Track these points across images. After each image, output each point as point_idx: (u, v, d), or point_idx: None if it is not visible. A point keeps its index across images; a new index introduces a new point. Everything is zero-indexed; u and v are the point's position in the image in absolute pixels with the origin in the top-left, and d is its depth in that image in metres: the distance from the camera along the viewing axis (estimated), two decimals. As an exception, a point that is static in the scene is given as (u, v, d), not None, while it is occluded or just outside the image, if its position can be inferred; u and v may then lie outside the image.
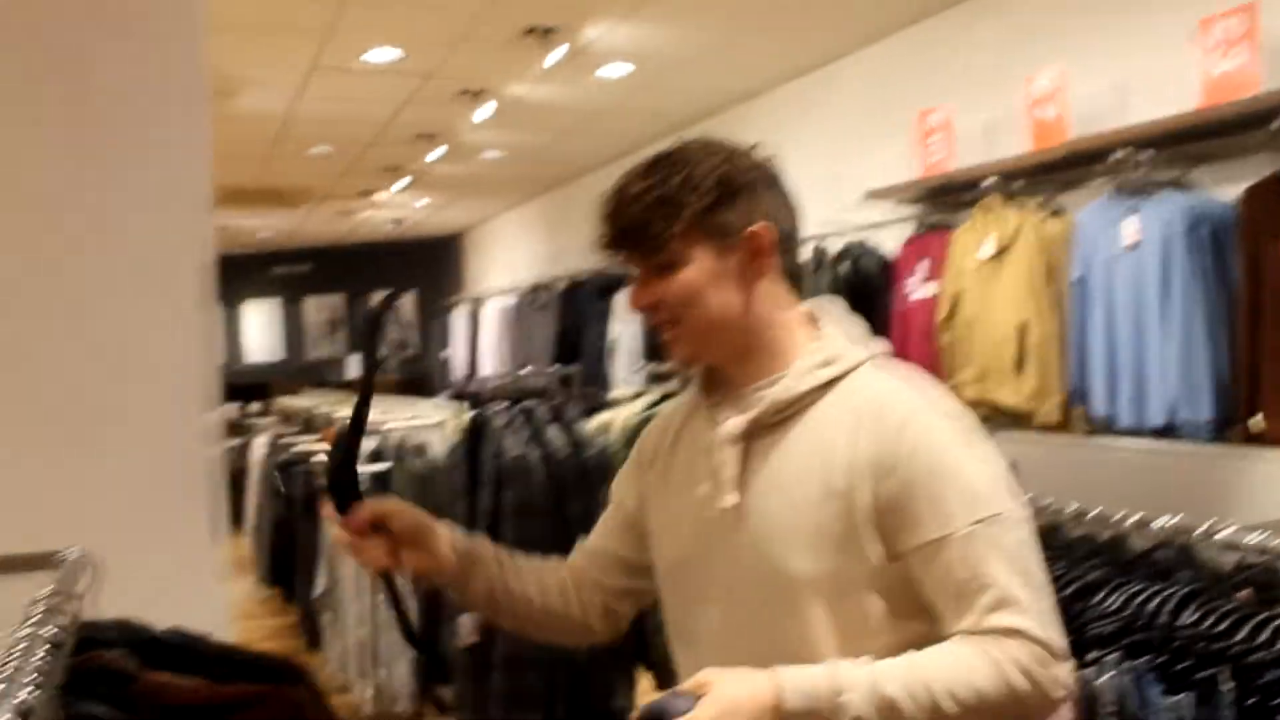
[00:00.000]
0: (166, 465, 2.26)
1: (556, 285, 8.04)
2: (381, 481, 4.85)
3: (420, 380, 11.24)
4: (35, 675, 1.03)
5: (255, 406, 10.10)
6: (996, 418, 3.79)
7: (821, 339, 1.43)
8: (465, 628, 3.27)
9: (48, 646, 1.14)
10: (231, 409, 11.32)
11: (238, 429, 8.99)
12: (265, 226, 11.53)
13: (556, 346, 7.61)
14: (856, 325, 1.47)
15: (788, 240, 1.44)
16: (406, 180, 8.80)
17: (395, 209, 10.59)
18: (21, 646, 1.13)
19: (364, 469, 5.04)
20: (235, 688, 1.41)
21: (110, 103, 2.23)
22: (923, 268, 4.35)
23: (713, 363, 1.46)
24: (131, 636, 1.57)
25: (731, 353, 1.43)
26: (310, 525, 5.16)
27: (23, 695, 0.96)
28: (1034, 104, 3.92)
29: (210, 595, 2.32)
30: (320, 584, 4.91)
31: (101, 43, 2.25)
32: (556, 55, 5.30)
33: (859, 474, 1.32)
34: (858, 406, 1.36)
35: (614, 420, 3.56)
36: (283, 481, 5.85)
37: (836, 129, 5.40)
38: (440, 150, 7.62)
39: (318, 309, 13.37)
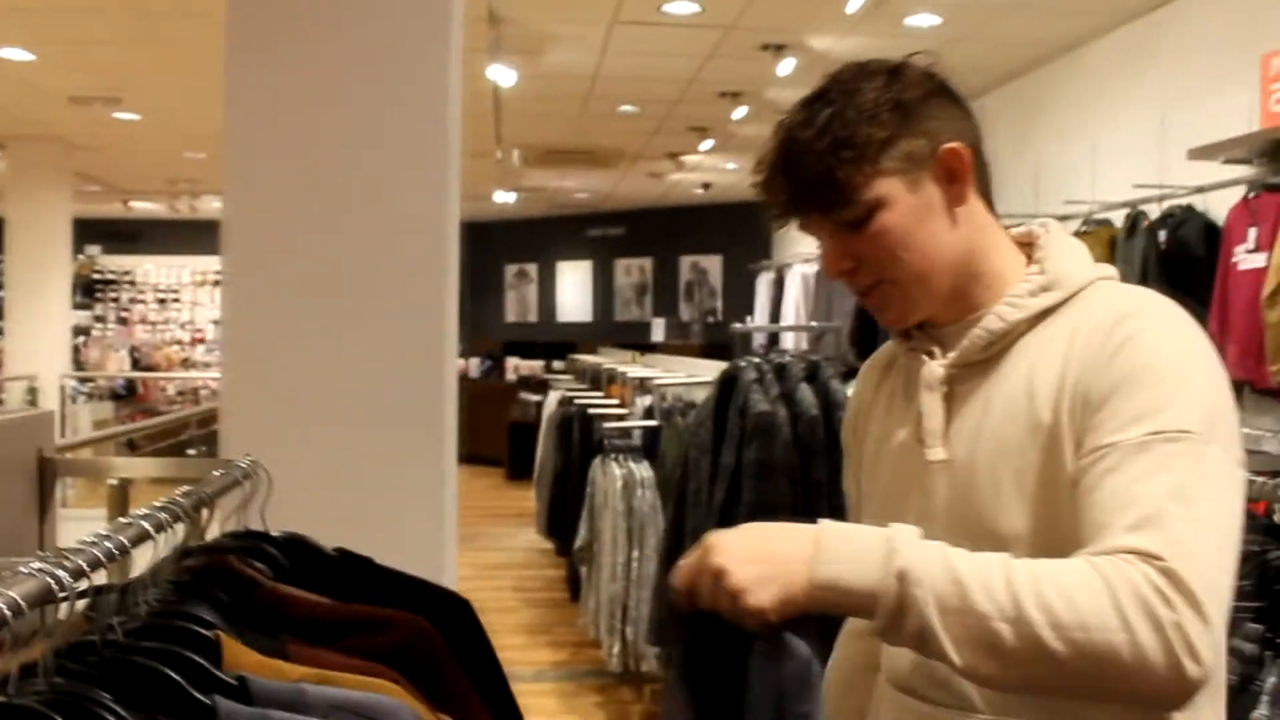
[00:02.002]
0: (403, 407, 2.25)
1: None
2: (653, 436, 4.83)
3: (723, 346, 11.25)
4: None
5: (559, 364, 10.42)
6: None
7: (1042, 262, 1.22)
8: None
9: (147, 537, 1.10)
10: (537, 366, 11.79)
11: (541, 386, 9.31)
12: (582, 189, 11.87)
13: (857, 313, 7.36)
14: (1080, 248, 1.25)
15: (979, 155, 1.24)
16: (712, 142, 8.76)
17: (704, 172, 10.60)
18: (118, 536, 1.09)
19: (636, 423, 5.04)
20: (360, 608, 1.34)
21: (356, 58, 2.22)
22: (1253, 235, 3.81)
23: (928, 315, 1.25)
24: (294, 550, 1.54)
25: (945, 296, 1.23)
26: (580, 478, 5.21)
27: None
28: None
29: (434, 533, 2.31)
30: (580, 536, 4.95)
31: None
32: (859, 2, 5.05)
33: (1066, 392, 1.11)
34: (1077, 323, 1.15)
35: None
36: (561, 434, 5.96)
37: (1165, 81, 4.85)
38: (744, 109, 7.51)
39: (627, 271, 13.65)
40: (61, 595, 0.86)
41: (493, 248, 14.16)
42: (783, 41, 5.97)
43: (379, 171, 2.22)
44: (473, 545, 7.87)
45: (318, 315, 2.21)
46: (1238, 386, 3.96)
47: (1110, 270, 1.23)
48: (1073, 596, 0.95)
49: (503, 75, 5.95)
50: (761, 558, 1.05)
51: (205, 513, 1.43)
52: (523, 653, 5.43)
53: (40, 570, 0.83)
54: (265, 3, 2.18)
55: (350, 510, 2.13)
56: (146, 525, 1.04)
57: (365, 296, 2.21)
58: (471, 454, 11.10)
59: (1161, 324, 1.12)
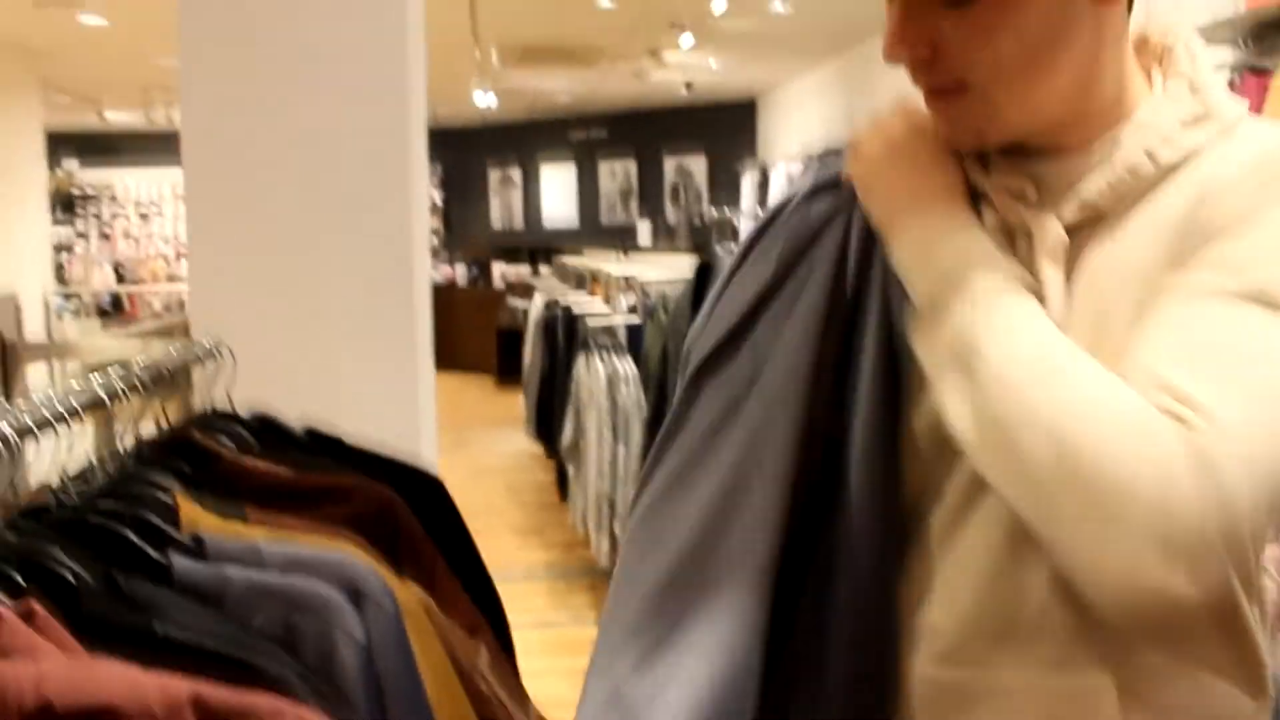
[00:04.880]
0: (374, 308, 2.24)
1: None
2: (636, 333, 4.83)
3: (709, 246, 11.21)
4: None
5: (545, 269, 10.39)
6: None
7: (1190, 81, 0.92)
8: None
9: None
10: (524, 271, 11.75)
11: (528, 291, 9.28)
12: (563, 90, 11.69)
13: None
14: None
15: None
16: (693, 38, 8.61)
17: (687, 71, 10.44)
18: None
19: (619, 320, 5.03)
20: (322, 477, 1.34)
21: None
22: (1236, 114, 3.77)
23: (1021, 137, 0.95)
24: (262, 430, 1.54)
25: (1054, 118, 0.93)
26: (566, 377, 5.22)
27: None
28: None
29: (412, 419, 2.31)
30: (566, 435, 4.98)
31: None
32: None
33: (1185, 251, 0.85)
34: (1221, 173, 0.87)
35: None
36: (546, 336, 5.96)
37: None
38: (724, 3, 7.37)
39: (611, 173, 13.52)
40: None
41: (476, 153, 14.01)
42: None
43: (339, 67, 2.17)
44: (462, 450, 7.93)
45: (284, 219, 2.18)
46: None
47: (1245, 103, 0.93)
48: (1091, 407, 0.78)
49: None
50: (900, 177, 0.99)
51: (168, 392, 1.42)
52: (513, 554, 5.50)
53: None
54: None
55: (323, 412, 2.14)
56: (98, 390, 1.03)
57: (331, 197, 2.18)
58: (460, 361, 11.12)
59: None
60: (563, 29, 8.54)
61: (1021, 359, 0.84)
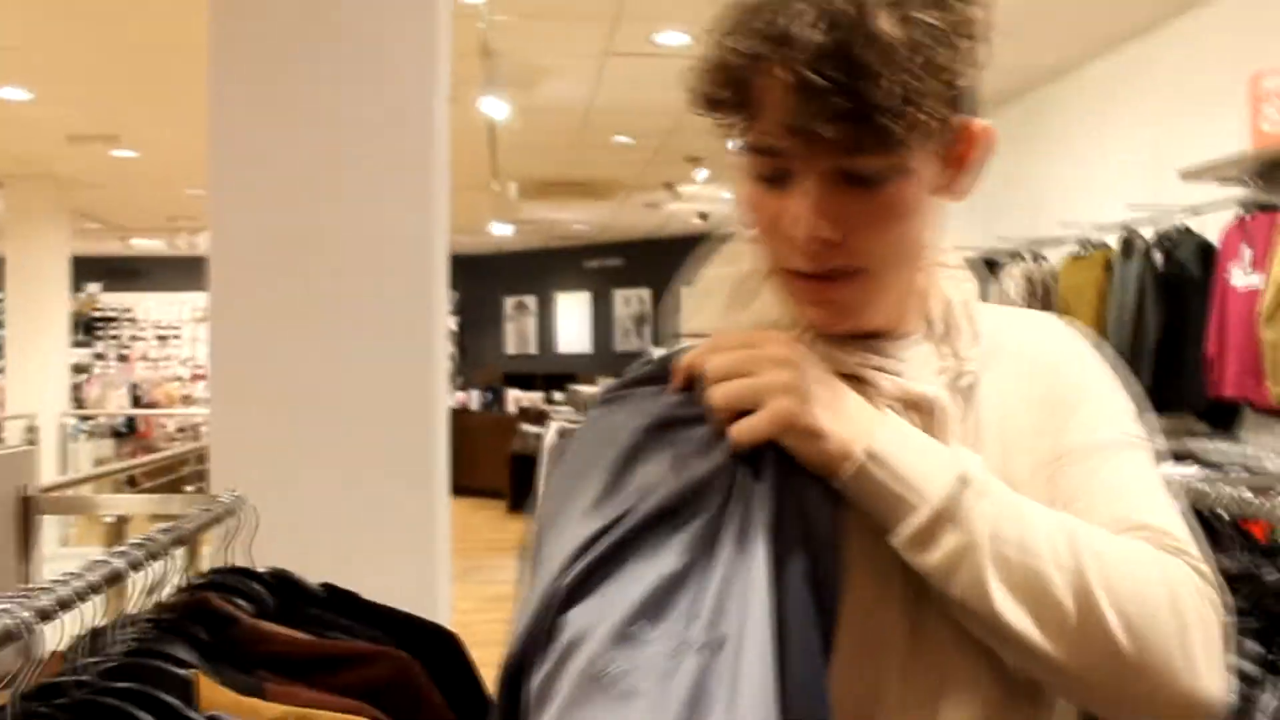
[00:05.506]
0: (390, 439, 2.24)
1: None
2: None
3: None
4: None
5: (559, 395, 10.42)
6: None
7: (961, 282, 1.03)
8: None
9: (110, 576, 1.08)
10: (537, 397, 11.77)
11: (541, 417, 9.28)
12: (579, 220, 11.89)
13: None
14: None
15: None
16: (708, 172, 8.78)
17: (702, 203, 10.62)
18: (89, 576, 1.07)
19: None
20: (341, 643, 1.32)
21: (343, 93, 2.22)
22: (1247, 254, 3.80)
23: (868, 329, 0.97)
24: (279, 587, 1.53)
25: (895, 306, 0.98)
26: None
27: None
28: (1394, 61, 3.33)
29: (427, 569, 2.30)
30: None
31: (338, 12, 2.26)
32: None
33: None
34: (1030, 353, 1.01)
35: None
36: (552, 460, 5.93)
37: (1157, 103, 4.85)
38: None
39: (626, 301, 13.65)
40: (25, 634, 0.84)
41: (491, 280, 14.18)
42: (776, 70, 5.99)
43: (366, 205, 2.22)
44: (473, 578, 7.83)
45: (306, 350, 2.21)
46: (1237, 405, 3.94)
47: None
48: (1133, 569, 0.86)
49: (496, 108, 5.97)
50: (831, 399, 0.89)
51: (187, 550, 1.41)
52: (524, 686, 5.37)
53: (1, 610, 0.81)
54: (249, 37, 2.18)
55: (342, 547, 2.12)
56: (119, 563, 1.03)
57: (354, 331, 2.21)
58: (472, 487, 11.07)
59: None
60: (580, 164, 8.72)
61: (1074, 549, 0.86)
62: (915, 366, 0.97)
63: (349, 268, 2.21)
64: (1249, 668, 1.46)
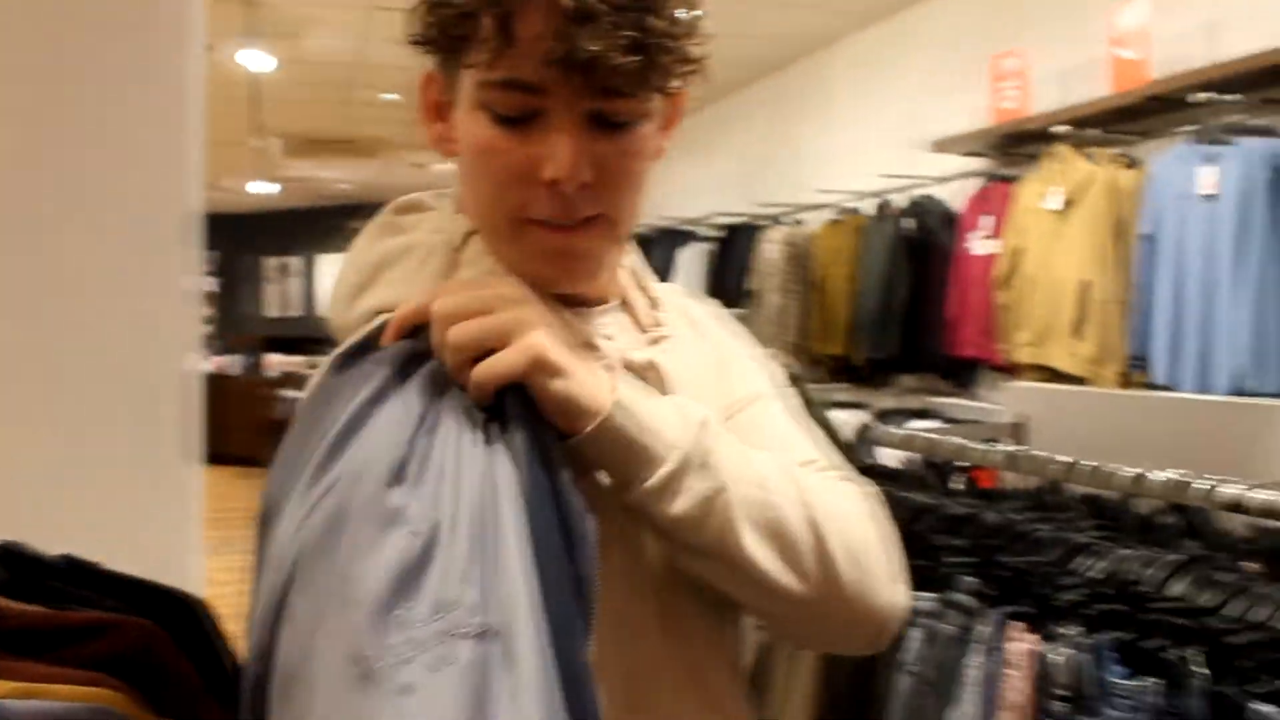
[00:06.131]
0: (130, 406, 2.13)
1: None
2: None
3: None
4: None
5: (318, 359, 10.10)
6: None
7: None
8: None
9: None
10: (300, 361, 11.42)
11: (300, 381, 9.01)
12: (343, 179, 11.54)
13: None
14: None
15: None
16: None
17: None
18: None
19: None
20: (78, 614, 1.24)
21: (79, 46, 2.08)
22: (987, 223, 4.06)
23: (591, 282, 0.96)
24: (10, 561, 1.43)
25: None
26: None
27: None
28: (1114, 44, 3.59)
29: (180, 520, 2.20)
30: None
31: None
32: None
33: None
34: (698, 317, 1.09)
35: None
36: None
37: (910, 80, 5.10)
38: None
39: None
40: None
41: (252, 241, 13.61)
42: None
43: (106, 157, 2.09)
44: (232, 548, 7.54)
45: (34, 312, 2.06)
46: (973, 364, 4.21)
47: None
48: (838, 500, 0.93)
49: (258, 61, 5.71)
50: (569, 350, 0.84)
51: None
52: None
53: None
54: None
55: (78, 521, 1.99)
56: None
57: (91, 291, 2.08)
58: (231, 454, 10.65)
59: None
60: (347, 121, 8.46)
61: (798, 486, 0.91)
62: (620, 332, 0.97)
63: (84, 226, 2.08)
64: (967, 600, 1.57)
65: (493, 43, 0.82)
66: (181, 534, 2.20)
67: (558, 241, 0.89)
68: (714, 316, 1.09)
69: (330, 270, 13.57)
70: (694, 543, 0.86)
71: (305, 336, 12.61)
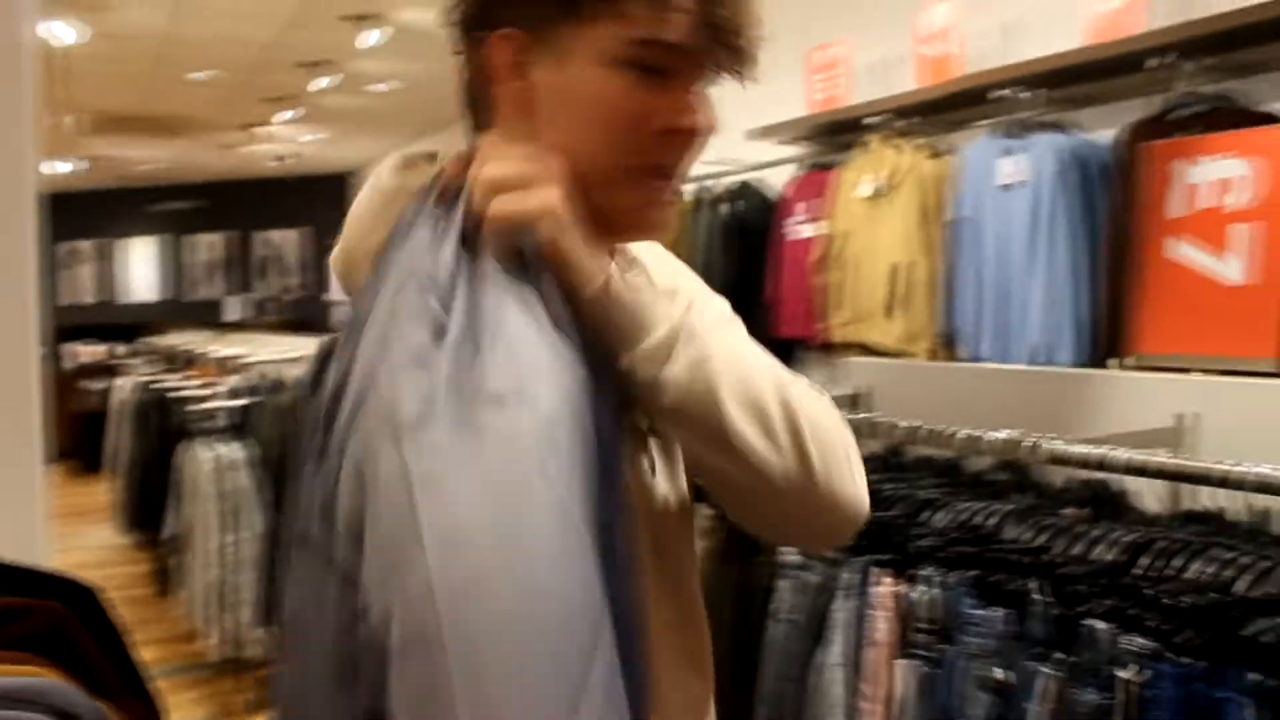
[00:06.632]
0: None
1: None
2: (243, 415, 4.67)
3: (310, 321, 10.94)
4: None
5: (123, 349, 9.67)
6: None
7: None
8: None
9: None
10: (100, 350, 10.92)
11: (105, 371, 8.64)
12: (146, 159, 11.08)
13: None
14: None
15: None
16: (291, 113, 8.49)
17: (282, 143, 10.24)
18: None
19: (225, 404, 4.84)
20: (-13, 600, 1.25)
21: None
22: (805, 208, 4.27)
23: None
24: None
25: None
26: (165, 466, 4.95)
27: None
28: (923, 40, 3.85)
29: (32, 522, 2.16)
30: (169, 526, 4.72)
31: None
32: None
33: None
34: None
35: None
36: (138, 419, 5.61)
37: (727, 68, 5.28)
38: (326, 80, 7.34)
39: (201, 248, 12.91)
40: None
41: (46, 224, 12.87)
42: (370, 11, 5.90)
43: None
44: (65, 545, 7.22)
45: None
46: (794, 343, 4.43)
47: None
48: (805, 392, 0.99)
49: (61, 32, 5.46)
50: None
51: None
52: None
53: None
54: None
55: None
56: None
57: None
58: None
59: None
60: (153, 98, 8.14)
61: (772, 369, 1.00)
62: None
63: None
64: (830, 552, 1.72)
65: (651, 6, 0.92)
66: (31, 531, 2.16)
67: (669, 191, 0.98)
68: (666, 256, 1.14)
69: (133, 255, 13.01)
70: (682, 409, 0.93)
71: (105, 324, 12.05)
